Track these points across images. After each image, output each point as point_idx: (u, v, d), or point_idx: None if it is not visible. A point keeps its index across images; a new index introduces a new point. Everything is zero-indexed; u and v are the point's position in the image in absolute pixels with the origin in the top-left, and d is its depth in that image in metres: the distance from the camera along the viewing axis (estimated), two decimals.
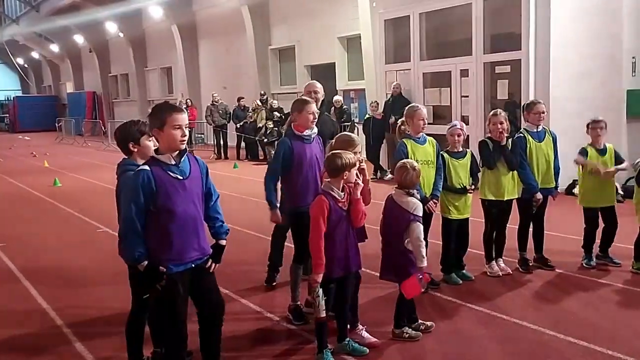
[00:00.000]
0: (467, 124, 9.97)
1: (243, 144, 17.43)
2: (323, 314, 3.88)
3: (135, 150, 3.64)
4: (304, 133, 4.63)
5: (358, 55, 15.37)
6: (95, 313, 4.99)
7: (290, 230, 5.00)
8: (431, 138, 5.44)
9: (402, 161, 4.42)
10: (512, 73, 10.38)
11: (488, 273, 5.69)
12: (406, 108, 5.47)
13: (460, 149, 5.53)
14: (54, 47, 34.99)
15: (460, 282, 5.48)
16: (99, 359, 4.14)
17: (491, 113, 5.75)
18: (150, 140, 3.64)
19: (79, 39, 31.58)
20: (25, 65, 43.92)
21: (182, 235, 3.23)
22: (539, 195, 5.65)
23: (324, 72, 17.28)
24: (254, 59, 19.47)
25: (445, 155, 5.43)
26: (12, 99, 39.17)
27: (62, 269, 6.44)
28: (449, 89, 11.54)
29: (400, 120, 5.68)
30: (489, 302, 5.00)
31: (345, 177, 3.86)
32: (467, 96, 11.11)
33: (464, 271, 5.59)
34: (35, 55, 40.03)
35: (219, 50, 22.25)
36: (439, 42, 12.23)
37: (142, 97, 28.00)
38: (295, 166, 4.60)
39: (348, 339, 4.09)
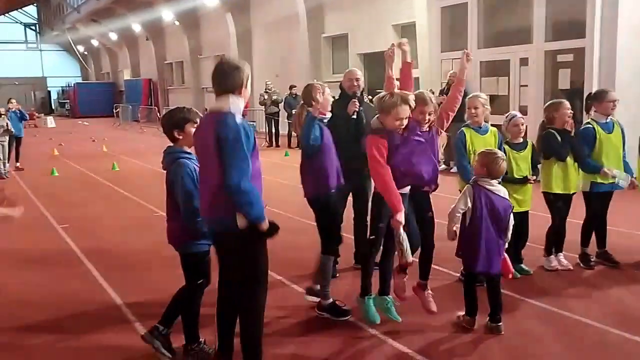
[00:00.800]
0: (525, 114, 9.69)
1: (294, 132, 17.48)
2: (411, 259, 3.98)
3: (181, 137, 3.68)
4: (325, 116, 4.59)
5: (412, 43, 15.10)
6: (153, 295, 5.08)
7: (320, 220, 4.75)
8: (494, 129, 5.29)
9: (491, 150, 4.32)
10: (575, 62, 10.02)
11: (546, 267, 5.52)
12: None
13: (521, 140, 5.36)
14: (113, 35, 35.94)
15: (519, 275, 5.32)
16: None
17: (555, 102, 5.54)
18: (195, 128, 3.64)
19: (136, 27, 32.32)
20: (85, 53, 45.32)
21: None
22: (607, 170, 5.38)
23: (377, 61, 17.12)
24: (306, 47, 19.47)
25: (506, 147, 5.26)
26: (72, 85, 40.54)
27: (122, 252, 6.61)
28: (507, 78, 11.24)
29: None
30: (549, 298, 4.84)
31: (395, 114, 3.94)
32: (526, 85, 10.79)
33: (522, 265, 5.44)
34: (94, 42, 41.23)
35: (272, 38, 22.36)
36: (498, 29, 11.91)
37: (196, 84, 28.48)
38: (323, 148, 4.52)
39: (390, 296, 4.17)
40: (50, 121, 30.90)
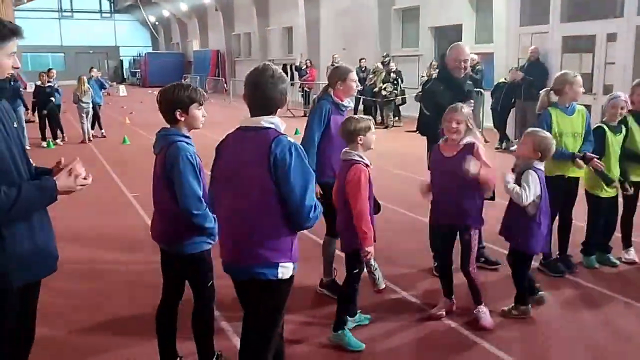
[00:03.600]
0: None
1: (361, 107, 17.26)
2: (383, 285, 3.68)
3: (182, 119, 3.18)
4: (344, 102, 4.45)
5: (488, 16, 14.50)
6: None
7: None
8: (582, 108, 4.92)
9: (541, 132, 4.05)
10: None
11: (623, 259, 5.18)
12: (560, 74, 4.96)
13: (616, 123, 4.98)
14: (183, 6, 36.41)
15: (597, 265, 5.02)
16: (228, 317, 4.22)
17: (635, 82, 5.15)
18: (199, 109, 3.20)
19: None
20: (156, 23, 46.22)
21: None
22: None
23: (449, 35, 16.55)
24: (375, 20, 19.03)
25: (606, 128, 4.90)
26: (143, 55, 41.53)
27: None
28: (591, 54, 10.59)
29: (544, 90, 5.18)
30: (633, 292, 4.53)
31: (361, 142, 3.61)
32: (613, 63, 10.12)
33: (609, 255, 5.11)
34: (165, 13, 41.95)
35: (340, 10, 21.99)
36: (583, 1, 11.19)
37: (263, 56, 28.48)
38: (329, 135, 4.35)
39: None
40: (122, 90, 31.80)
